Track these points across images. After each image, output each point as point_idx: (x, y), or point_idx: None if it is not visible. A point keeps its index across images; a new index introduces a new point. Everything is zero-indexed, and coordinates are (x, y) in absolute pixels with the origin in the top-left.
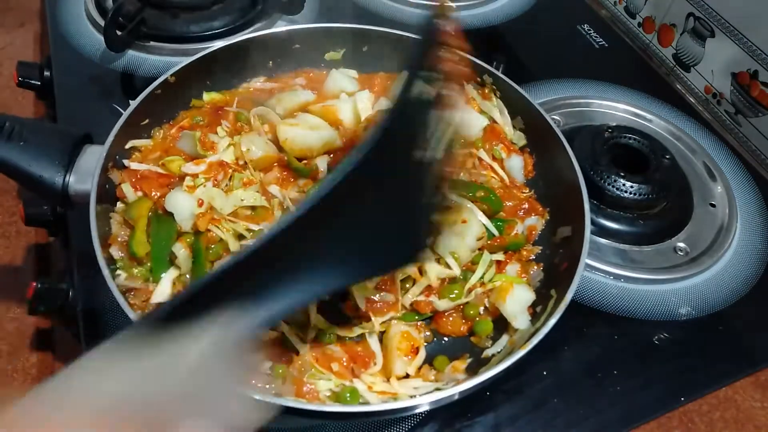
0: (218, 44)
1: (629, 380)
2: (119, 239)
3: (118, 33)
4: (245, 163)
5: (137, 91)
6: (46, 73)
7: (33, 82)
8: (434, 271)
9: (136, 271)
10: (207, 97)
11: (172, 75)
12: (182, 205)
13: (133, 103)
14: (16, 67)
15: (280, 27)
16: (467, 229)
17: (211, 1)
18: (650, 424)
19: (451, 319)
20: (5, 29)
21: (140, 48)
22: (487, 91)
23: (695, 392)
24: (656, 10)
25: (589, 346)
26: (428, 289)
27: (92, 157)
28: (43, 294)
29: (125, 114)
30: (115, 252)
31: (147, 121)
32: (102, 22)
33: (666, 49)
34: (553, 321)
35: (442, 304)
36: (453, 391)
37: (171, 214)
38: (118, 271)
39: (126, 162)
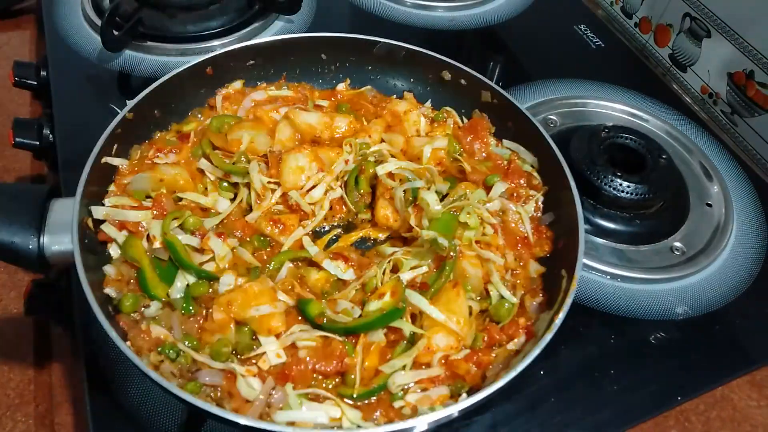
0: (215, 44)
1: (626, 379)
2: (122, 279)
3: (115, 33)
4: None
5: (134, 91)
6: (43, 73)
7: (29, 81)
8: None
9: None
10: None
11: (130, 111)
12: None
13: (97, 145)
14: (12, 66)
15: (242, 42)
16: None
17: (208, 1)
18: (647, 423)
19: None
20: (1, 29)
21: (137, 48)
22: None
23: (692, 391)
24: (652, 10)
25: (586, 345)
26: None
27: (63, 211)
28: (39, 294)
29: (91, 156)
30: (113, 293)
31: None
32: (99, 22)
33: (662, 49)
34: (549, 336)
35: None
36: (452, 409)
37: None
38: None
39: (93, 209)
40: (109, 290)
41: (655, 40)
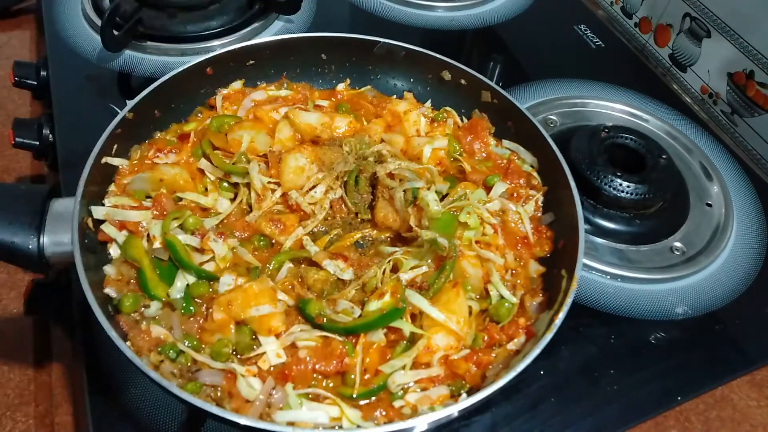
0: (215, 44)
1: (626, 379)
2: (122, 279)
3: (115, 33)
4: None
5: (134, 91)
6: (43, 73)
7: (29, 81)
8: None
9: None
10: (188, 127)
11: (129, 112)
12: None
13: (97, 146)
14: (12, 66)
15: (234, 45)
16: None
17: (209, 1)
18: (647, 423)
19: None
20: (1, 29)
21: (137, 48)
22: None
23: (691, 391)
24: (652, 10)
25: (586, 345)
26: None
27: (62, 211)
28: (39, 294)
29: (91, 157)
30: (113, 293)
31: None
32: (99, 22)
33: (662, 50)
34: (549, 336)
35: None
36: (452, 409)
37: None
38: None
39: (93, 209)
40: (109, 290)
41: (655, 40)
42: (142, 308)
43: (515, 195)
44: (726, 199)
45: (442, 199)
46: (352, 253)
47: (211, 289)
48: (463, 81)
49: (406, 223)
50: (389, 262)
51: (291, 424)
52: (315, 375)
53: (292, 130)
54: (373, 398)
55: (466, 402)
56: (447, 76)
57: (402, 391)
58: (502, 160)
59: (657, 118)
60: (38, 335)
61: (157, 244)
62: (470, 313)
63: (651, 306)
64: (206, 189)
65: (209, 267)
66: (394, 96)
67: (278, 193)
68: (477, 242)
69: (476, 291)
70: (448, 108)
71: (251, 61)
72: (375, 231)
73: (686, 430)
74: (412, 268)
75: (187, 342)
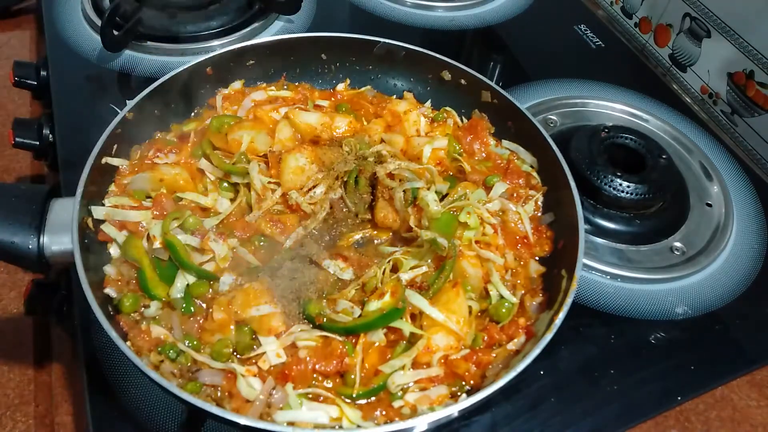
0: (215, 44)
1: (626, 379)
2: (122, 279)
3: (115, 33)
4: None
5: (134, 90)
6: (43, 73)
7: (29, 81)
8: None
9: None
10: (186, 127)
11: (129, 112)
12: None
13: (97, 146)
14: (12, 66)
15: (231, 46)
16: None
17: (209, 1)
18: (647, 423)
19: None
20: (1, 29)
21: (137, 48)
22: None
23: (691, 391)
24: (652, 10)
25: (586, 345)
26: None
27: (62, 211)
28: (39, 294)
29: (91, 157)
30: (113, 293)
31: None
32: (99, 22)
33: (662, 50)
34: (549, 336)
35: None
36: (452, 409)
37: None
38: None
39: (93, 209)
40: (109, 290)
41: (655, 40)
42: (142, 308)
43: (515, 195)
44: (726, 199)
45: (442, 199)
46: (352, 253)
47: (211, 289)
48: (463, 81)
49: (406, 223)
50: (389, 262)
51: (291, 424)
52: (315, 375)
53: (292, 130)
54: (373, 398)
55: (466, 402)
56: (447, 76)
57: (401, 391)
58: (501, 160)
59: (657, 118)
60: (38, 335)
61: (157, 244)
62: (470, 313)
63: (651, 306)
64: (206, 189)
65: (209, 267)
66: (394, 96)
67: (278, 193)
68: (477, 242)
69: (476, 291)
70: (448, 108)
71: (251, 61)
72: (375, 231)
73: (686, 430)
74: (412, 268)
75: (187, 342)
